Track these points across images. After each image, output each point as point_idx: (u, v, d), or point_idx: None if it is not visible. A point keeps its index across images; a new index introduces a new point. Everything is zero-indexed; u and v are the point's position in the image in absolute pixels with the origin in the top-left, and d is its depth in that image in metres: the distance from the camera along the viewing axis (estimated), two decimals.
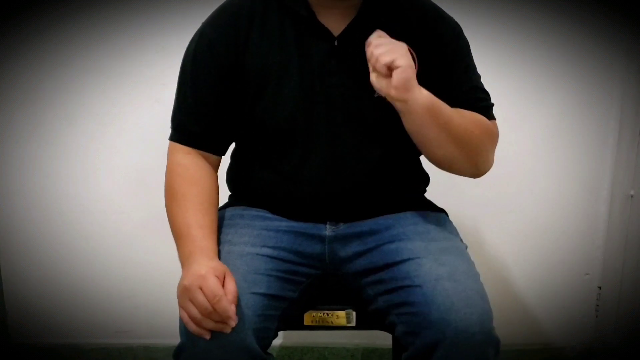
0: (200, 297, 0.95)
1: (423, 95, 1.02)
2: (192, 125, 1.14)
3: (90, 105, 1.69)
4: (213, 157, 1.17)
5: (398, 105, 1.02)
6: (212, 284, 0.95)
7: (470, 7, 1.61)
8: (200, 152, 1.15)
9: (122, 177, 1.74)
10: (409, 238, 1.12)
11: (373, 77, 1.01)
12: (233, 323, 0.95)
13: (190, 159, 1.14)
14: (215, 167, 1.18)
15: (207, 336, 0.96)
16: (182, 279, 1.00)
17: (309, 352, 1.86)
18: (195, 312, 0.96)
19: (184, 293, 0.97)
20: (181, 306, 0.99)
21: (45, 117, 1.70)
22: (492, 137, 1.16)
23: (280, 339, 1.84)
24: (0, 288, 1.81)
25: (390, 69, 0.98)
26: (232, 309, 0.94)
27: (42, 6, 1.63)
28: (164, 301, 1.78)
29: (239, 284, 1.00)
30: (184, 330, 1.00)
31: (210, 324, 0.96)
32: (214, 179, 1.16)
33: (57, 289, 1.81)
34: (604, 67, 1.68)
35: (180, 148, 1.15)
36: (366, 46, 1.03)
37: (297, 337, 1.84)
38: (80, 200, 1.75)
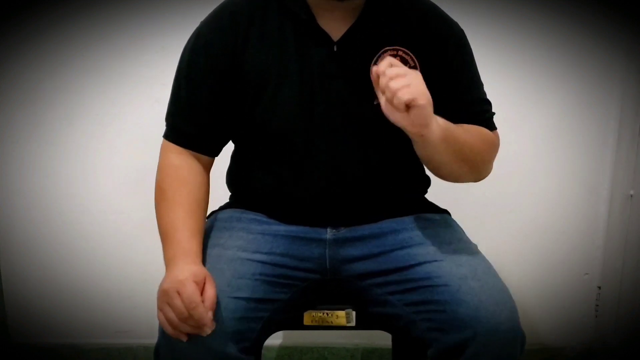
0: (178, 302, 0.95)
1: (439, 126, 1.01)
2: (186, 126, 1.13)
3: (90, 105, 1.69)
4: (206, 157, 1.16)
5: (412, 136, 1.02)
6: (190, 290, 0.95)
7: (470, 7, 1.61)
8: (193, 152, 1.14)
9: (122, 177, 1.74)
10: (419, 243, 1.12)
11: (387, 110, 0.97)
12: (209, 330, 0.95)
13: (182, 159, 1.13)
14: (208, 168, 1.18)
15: (184, 338, 0.97)
16: (162, 281, 1.00)
17: (308, 352, 1.86)
18: (172, 315, 0.96)
19: (163, 296, 0.97)
20: (159, 308, 0.98)
21: (45, 117, 1.70)
22: (495, 150, 1.18)
23: (280, 339, 1.84)
24: (0, 288, 1.81)
25: (408, 106, 0.95)
26: (208, 317, 0.94)
27: (42, 6, 1.63)
28: None
29: (221, 288, 1.00)
30: (161, 329, 1.00)
31: (187, 328, 0.96)
32: (205, 180, 1.15)
33: (57, 289, 1.81)
34: (604, 67, 1.68)
35: (173, 147, 1.14)
36: (374, 71, 0.98)
37: (297, 337, 1.84)
38: (80, 200, 1.75)
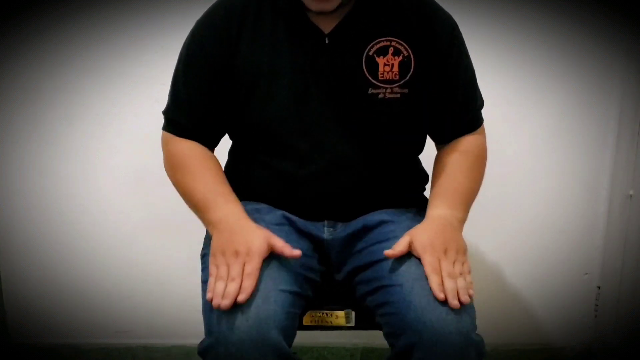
0: (235, 271, 0.97)
1: (462, 221, 1.13)
2: (185, 121, 1.16)
3: (90, 105, 1.69)
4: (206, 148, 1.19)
5: None
6: (255, 264, 0.98)
7: (470, 7, 1.61)
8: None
9: (122, 177, 1.74)
10: (397, 236, 1.10)
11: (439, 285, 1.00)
12: (242, 297, 0.95)
13: (188, 141, 1.16)
14: None
15: (221, 300, 0.96)
16: (227, 239, 1.02)
17: (308, 352, 1.86)
18: (224, 274, 0.98)
19: (225, 254, 1.00)
20: (215, 264, 1.01)
21: (45, 117, 1.70)
22: (484, 156, 1.22)
23: None
24: None
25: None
26: (251, 289, 0.96)
27: (42, 6, 1.63)
28: (164, 301, 1.78)
29: (265, 280, 1.00)
30: (215, 328, 0.97)
31: (231, 288, 0.96)
32: (214, 157, 1.18)
33: (57, 288, 1.81)
34: (603, 67, 1.68)
35: (175, 136, 1.17)
36: (427, 271, 1.01)
37: (297, 337, 1.83)
38: (80, 200, 1.75)
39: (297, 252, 1.01)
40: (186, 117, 1.15)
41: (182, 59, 1.16)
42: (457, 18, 1.19)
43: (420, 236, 1.05)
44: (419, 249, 1.03)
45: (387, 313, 1.03)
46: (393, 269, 1.05)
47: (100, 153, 1.72)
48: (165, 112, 1.19)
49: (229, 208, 1.08)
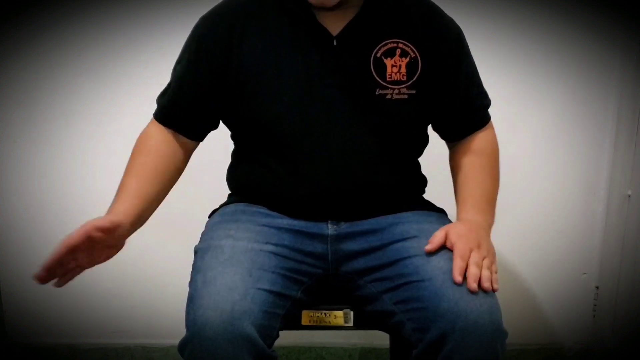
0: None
1: (490, 225, 1.17)
2: (168, 106, 1.19)
3: (87, 106, 1.69)
4: (184, 139, 1.20)
5: None
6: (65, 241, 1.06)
7: (469, 6, 1.61)
8: (171, 131, 1.19)
9: (119, 177, 1.73)
10: (414, 236, 1.12)
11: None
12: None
13: (158, 130, 1.19)
14: (185, 148, 1.21)
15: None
16: None
17: (306, 352, 1.86)
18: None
19: None
20: None
21: (42, 117, 1.70)
22: (497, 150, 1.25)
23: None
24: None
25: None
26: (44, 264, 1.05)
27: (40, 7, 1.63)
28: (161, 301, 1.78)
29: (245, 279, 1.01)
30: (191, 323, 0.99)
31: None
32: (173, 153, 1.19)
33: (55, 288, 1.80)
34: (601, 67, 1.68)
35: (155, 122, 1.20)
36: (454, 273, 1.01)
37: (295, 337, 1.84)
38: (78, 200, 1.75)
39: (110, 220, 1.08)
40: (170, 101, 1.18)
41: (182, 51, 1.18)
42: (455, 17, 1.19)
43: (458, 228, 1.08)
44: (454, 237, 1.06)
45: (415, 308, 1.03)
46: (421, 265, 1.06)
47: (98, 153, 1.72)
48: (157, 99, 1.22)
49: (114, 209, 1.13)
